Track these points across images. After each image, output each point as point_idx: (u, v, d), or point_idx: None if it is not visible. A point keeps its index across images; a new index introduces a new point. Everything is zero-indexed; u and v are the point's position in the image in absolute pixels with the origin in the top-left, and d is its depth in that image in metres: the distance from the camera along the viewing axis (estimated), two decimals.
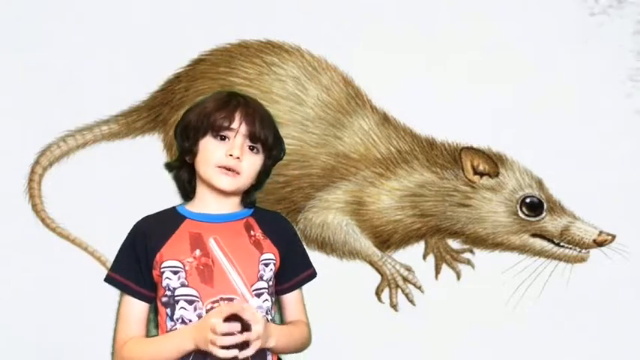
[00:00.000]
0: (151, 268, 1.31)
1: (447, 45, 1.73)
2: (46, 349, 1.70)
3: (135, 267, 1.33)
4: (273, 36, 1.73)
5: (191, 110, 1.38)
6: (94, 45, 1.72)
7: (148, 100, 1.74)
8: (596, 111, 1.74)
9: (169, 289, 1.29)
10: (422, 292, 1.76)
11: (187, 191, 1.40)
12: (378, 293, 1.76)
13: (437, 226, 1.75)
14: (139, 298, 1.34)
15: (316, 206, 1.74)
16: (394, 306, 1.76)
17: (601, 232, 1.71)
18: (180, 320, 1.28)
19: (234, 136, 1.31)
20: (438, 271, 1.77)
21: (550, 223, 1.72)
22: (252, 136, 1.32)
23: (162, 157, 1.73)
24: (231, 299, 1.27)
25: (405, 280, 1.76)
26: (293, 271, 1.41)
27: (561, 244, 1.72)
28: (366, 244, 1.74)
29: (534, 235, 1.73)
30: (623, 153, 1.74)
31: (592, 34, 1.74)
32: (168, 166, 1.45)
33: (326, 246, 1.74)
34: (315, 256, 1.72)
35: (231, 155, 1.30)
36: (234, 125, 1.31)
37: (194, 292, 1.27)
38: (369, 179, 1.74)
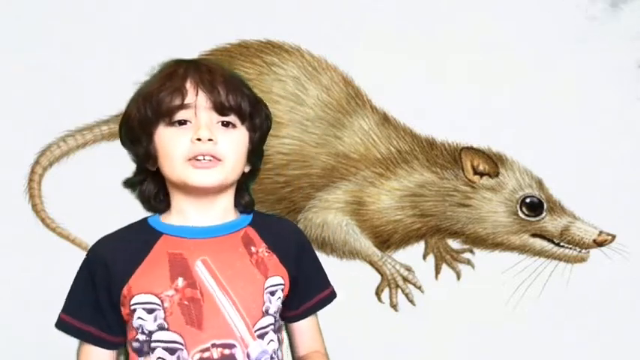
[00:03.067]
0: (117, 305, 0.98)
1: (447, 45, 1.72)
2: (46, 349, 1.70)
3: (93, 306, 1.00)
4: (273, 36, 1.73)
5: (132, 98, 1.04)
6: (94, 45, 1.72)
7: None
8: (596, 111, 1.74)
9: (143, 332, 0.96)
10: (422, 292, 1.76)
11: (157, 209, 1.06)
12: (378, 293, 1.76)
13: (437, 226, 1.75)
14: (103, 346, 1.02)
15: (316, 206, 1.74)
16: (394, 306, 1.76)
17: (601, 232, 1.71)
18: None
19: (195, 114, 0.96)
20: (438, 271, 1.77)
21: (550, 223, 1.72)
22: (219, 106, 0.97)
23: None
24: (227, 345, 0.95)
25: (405, 280, 1.76)
26: (306, 294, 1.10)
27: (561, 244, 1.72)
28: (366, 244, 1.74)
29: (534, 235, 1.73)
30: (623, 153, 1.73)
31: (592, 35, 1.74)
32: (129, 184, 1.11)
33: (326, 246, 1.74)
34: None
35: (199, 140, 0.94)
36: (189, 99, 0.96)
37: (177, 338, 0.95)
38: (369, 179, 1.74)
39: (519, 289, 1.72)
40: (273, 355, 1.00)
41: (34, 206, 1.71)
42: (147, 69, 1.72)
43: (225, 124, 0.99)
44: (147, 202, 1.06)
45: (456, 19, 1.74)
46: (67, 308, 1.04)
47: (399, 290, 1.76)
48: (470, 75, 1.73)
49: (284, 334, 1.11)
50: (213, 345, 0.95)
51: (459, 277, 1.76)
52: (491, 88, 1.73)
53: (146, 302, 0.95)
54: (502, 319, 1.71)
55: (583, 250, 1.72)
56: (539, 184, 1.73)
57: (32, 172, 1.71)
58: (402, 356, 1.73)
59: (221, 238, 1.00)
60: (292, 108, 1.73)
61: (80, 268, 1.04)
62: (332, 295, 1.16)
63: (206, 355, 0.94)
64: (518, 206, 1.72)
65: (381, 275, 1.76)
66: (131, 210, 1.71)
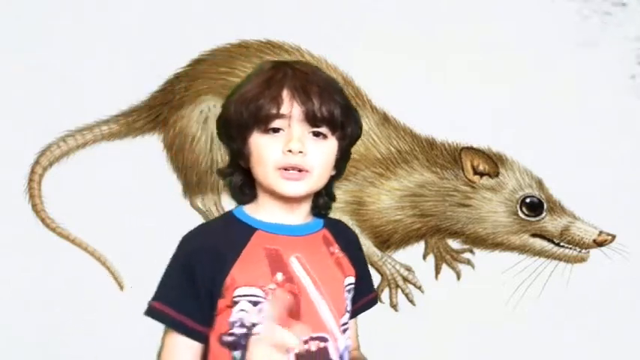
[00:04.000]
0: (216, 296, 0.98)
1: (447, 45, 1.72)
2: (46, 349, 1.70)
3: (191, 297, 0.98)
4: (273, 36, 1.73)
5: (230, 97, 1.05)
6: (94, 45, 1.72)
7: (148, 100, 1.73)
8: (595, 111, 1.74)
9: (243, 326, 0.97)
10: (422, 292, 1.76)
11: (242, 200, 1.07)
12: (378, 293, 1.76)
13: (437, 226, 1.75)
14: (195, 338, 0.99)
15: None
16: (394, 306, 1.76)
17: (601, 232, 1.71)
18: None
19: (289, 125, 0.98)
20: (438, 271, 1.77)
21: (550, 223, 1.72)
22: (312, 118, 0.98)
23: (163, 157, 1.73)
24: (322, 338, 0.99)
25: (405, 280, 1.76)
26: (358, 295, 1.11)
27: (561, 244, 1.72)
28: (366, 244, 1.74)
29: (534, 235, 1.73)
30: (623, 153, 1.73)
31: (592, 35, 1.74)
32: (220, 173, 1.12)
33: None
34: None
35: (290, 151, 0.97)
36: (285, 109, 0.97)
37: (281, 331, 0.97)
38: (369, 179, 1.74)
39: (519, 289, 1.72)
40: (349, 352, 1.06)
41: (34, 206, 1.71)
42: (147, 69, 1.73)
43: (316, 134, 1.00)
44: (234, 192, 1.08)
45: (456, 19, 1.74)
46: (162, 297, 1.02)
47: (399, 290, 1.76)
48: (470, 75, 1.73)
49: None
50: (311, 338, 0.98)
51: (459, 277, 1.76)
52: (491, 88, 1.72)
53: (250, 295, 0.97)
54: (502, 319, 1.71)
55: (583, 250, 1.72)
56: (539, 184, 1.73)
57: (32, 172, 1.71)
58: (402, 356, 1.73)
59: (307, 237, 1.04)
60: None
61: (176, 258, 1.03)
62: (374, 301, 1.19)
63: (305, 347, 0.97)
64: (518, 206, 1.72)
65: (381, 275, 1.76)
66: (131, 210, 1.72)
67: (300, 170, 0.98)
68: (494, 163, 1.73)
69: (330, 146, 1.02)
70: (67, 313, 1.70)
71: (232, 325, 0.97)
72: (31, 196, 1.71)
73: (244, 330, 0.97)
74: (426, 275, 1.76)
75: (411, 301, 1.76)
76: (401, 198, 1.74)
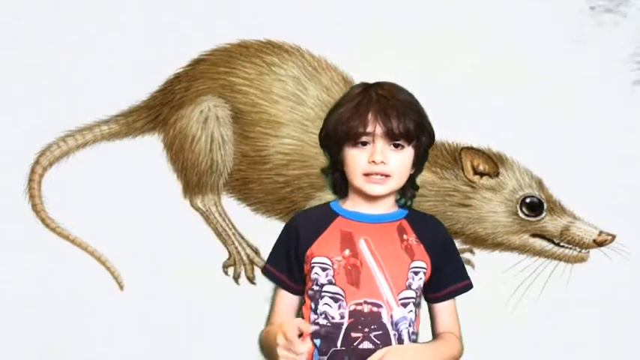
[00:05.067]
0: (302, 262, 1.35)
1: (447, 45, 1.72)
2: (46, 349, 1.70)
3: (287, 262, 1.38)
4: (273, 36, 1.73)
5: (329, 116, 1.38)
6: (94, 45, 1.72)
7: (148, 100, 1.73)
8: (595, 111, 1.74)
9: (317, 284, 1.31)
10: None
11: (342, 192, 1.41)
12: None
13: None
14: (290, 292, 1.39)
15: None
16: None
17: (601, 232, 1.71)
18: (323, 315, 1.30)
19: (373, 140, 1.29)
20: None
21: (550, 223, 1.72)
22: (391, 135, 1.29)
23: (163, 157, 1.73)
24: (376, 304, 1.27)
25: None
26: (449, 280, 1.40)
27: (561, 244, 1.72)
28: None
29: (534, 235, 1.73)
30: (624, 153, 1.73)
31: (592, 35, 1.74)
32: (323, 172, 1.49)
33: None
34: None
35: (373, 162, 1.28)
36: (370, 129, 1.29)
37: (340, 291, 1.28)
38: None
39: (519, 289, 1.72)
40: (411, 323, 1.30)
41: (34, 206, 1.71)
42: (147, 69, 1.73)
43: (396, 146, 1.31)
44: (333, 187, 1.44)
45: (456, 18, 1.74)
46: (270, 260, 1.44)
47: None
48: (470, 75, 1.73)
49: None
50: (365, 302, 1.27)
51: None
52: (491, 88, 1.72)
53: (321, 263, 1.31)
54: (502, 319, 1.71)
55: (583, 250, 1.72)
56: (539, 184, 1.73)
57: (32, 172, 1.71)
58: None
59: (380, 225, 1.34)
60: (292, 108, 1.73)
61: (282, 231, 1.43)
62: (469, 285, 1.44)
63: (359, 308, 1.27)
64: (518, 206, 1.72)
65: None
66: (131, 210, 1.72)
67: (383, 176, 1.29)
68: (494, 163, 1.73)
69: (407, 154, 1.32)
70: (66, 313, 1.71)
71: (313, 282, 1.31)
72: (31, 196, 1.71)
73: (318, 287, 1.30)
74: None
75: None
76: None
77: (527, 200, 1.71)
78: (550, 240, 1.73)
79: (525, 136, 1.73)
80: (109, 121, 1.73)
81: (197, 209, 1.72)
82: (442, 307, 1.42)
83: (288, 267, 1.38)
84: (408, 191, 1.41)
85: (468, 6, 1.74)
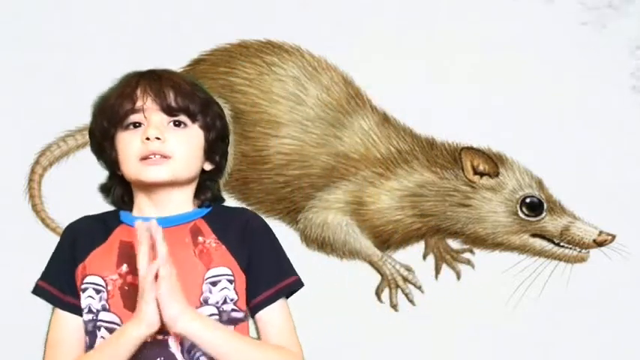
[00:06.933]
0: (76, 280, 1.06)
1: (447, 45, 1.72)
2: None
3: (63, 273, 1.08)
4: (273, 36, 1.73)
5: (91, 115, 1.11)
6: (94, 45, 1.72)
7: None
8: (595, 111, 1.74)
9: (91, 312, 1.02)
10: (422, 292, 1.76)
11: (124, 209, 1.09)
12: (378, 293, 1.75)
13: (437, 226, 1.74)
14: (73, 312, 1.05)
15: (316, 206, 1.74)
16: (394, 306, 1.76)
17: (601, 232, 1.71)
18: None
19: (145, 117, 1.02)
20: (438, 271, 1.77)
21: (550, 223, 1.72)
22: (168, 108, 1.03)
23: None
24: (161, 331, 0.96)
25: (405, 280, 1.76)
26: (264, 282, 1.05)
27: (561, 244, 1.72)
28: (366, 244, 1.74)
29: (534, 235, 1.73)
30: (623, 153, 1.73)
31: (593, 35, 1.74)
32: (103, 189, 1.13)
33: (326, 246, 1.74)
34: (315, 256, 1.73)
35: (148, 139, 1.00)
36: (139, 103, 1.03)
37: (116, 319, 1.00)
38: (369, 179, 1.74)
39: (519, 289, 1.72)
40: None
41: (34, 206, 1.71)
42: (147, 68, 1.72)
43: (177, 124, 1.04)
44: (115, 203, 1.11)
45: (456, 19, 1.74)
46: (43, 274, 1.13)
47: (399, 290, 1.76)
48: (470, 75, 1.73)
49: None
50: None
51: (459, 277, 1.76)
52: (491, 88, 1.73)
53: (95, 284, 1.03)
54: (502, 319, 1.71)
55: (583, 250, 1.72)
56: (539, 184, 1.73)
57: (32, 172, 1.71)
58: (402, 356, 1.73)
59: (170, 230, 1.01)
60: (292, 108, 1.73)
61: (59, 239, 1.14)
62: (296, 284, 1.07)
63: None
64: (518, 206, 1.72)
65: (381, 275, 1.76)
66: None
67: (161, 157, 1.01)
68: (494, 163, 1.73)
69: (192, 134, 1.05)
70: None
71: (85, 310, 1.03)
72: (31, 196, 1.71)
73: (92, 315, 1.02)
74: (426, 275, 1.76)
75: (411, 301, 1.76)
76: (401, 198, 1.74)
77: (527, 200, 1.71)
78: (550, 240, 1.73)
79: (525, 136, 1.73)
80: None
81: None
82: (264, 318, 1.04)
83: (65, 280, 1.07)
84: (205, 191, 1.09)
85: (468, 6, 1.74)
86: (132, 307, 0.97)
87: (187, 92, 1.05)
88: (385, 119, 1.74)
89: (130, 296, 0.99)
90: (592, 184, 1.71)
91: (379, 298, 1.75)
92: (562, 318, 1.73)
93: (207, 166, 1.08)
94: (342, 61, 1.73)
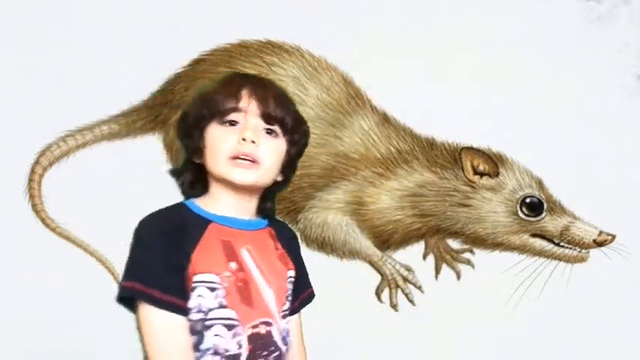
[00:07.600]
0: (182, 280, 1.01)
1: (447, 45, 1.73)
2: (46, 348, 1.70)
3: (174, 274, 1.00)
4: (273, 36, 1.73)
5: (191, 102, 1.13)
6: (94, 44, 1.72)
7: (148, 100, 1.73)
8: (595, 111, 1.74)
9: (201, 311, 1.01)
10: (422, 292, 1.76)
11: (190, 194, 1.13)
12: (378, 293, 1.76)
13: (437, 226, 1.75)
14: (179, 313, 1.00)
15: (316, 206, 1.74)
16: (394, 306, 1.76)
17: (601, 232, 1.71)
18: (211, 351, 1.01)
19: (245, 117, 1.05)
20: (438, 271, 1.77)
21: (550, 223, 1.72)
22: (267, 116, 1.06)
23: (163, 157, 1.73)
24: (268, 323, 1.06)
25: (405, 280, 1.76)
26: (301, 287, 1.19)
27: (561, 244, 1.72)
28: (366, 244, 1.74)
29: (534, 235, 1.73)
30: (623, 153, 1.74)
31: (593, 35, 1.74)
32: (175, 173, 1.16)
33: (326, 246, 1.74)
34: (315, 256, 1.73)
35: (244, 140, 1.03)
36: (243, 104, 1.05)
37: (234, 315, 1.02)
38: (369, 179, 1.74)
39: (519, 289, 1.72)
40: (288, 334, 1.14)
41: (34, 206, 1.71)
42: (147, 69, 1.73)
43: (269, 132, 1.08)
44: (184, 188, 1.14)
45: (456, 19, 1.74)
46: (138, 276, 1.02)
47: (399, 290, 1.76)
48: (470, 75, 1.73)
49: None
50: (261, 322, 1.05)
51: (459, 277, 1.76)
52: (491, 88, 1.73)
53: (208, 281, 1.02)
54: (502, 319, 1.71)
55: (583, 250, 1.72)
56: (539, 184, 1.73)
57: (32, 172, 1.71)
58: (402, 356, 1.73)
59: (256, 232, 1.12)
60: None
61: (144, 237, 1.03)
62: (312, 296, 1.24)
63: (256, 330, 1.04)
64: (518, 206, 1.72)
65: (381, 275, 1.76)
66: (131, 210, 1.72)
67: (251, 161, 1.05)
68: (494, 163, 1.73)
69: (280, 145, 1.10)
70: (66, 313, 1.70)
71: (192, 310, 1.01)
72: (31, 196, 1.71)
73: (202, 315, 1.01)
74: (426, 275, 1.76)
75: (411, 301, 1.76)
76: (401, 198, 1.74)
77: (527, 200, 1.71)
78: (550, 240, 1.73)
79: (525, 136, 1.74)
80: (109, 121, 1.73)
81: None
82: (294, 321, 1.17)
83: (175, 283, 1.01)
84: (267, 203, 1.15)
85: (468, 6, 1.74)
86: (247, 302, 1.04)
87: (286, 105, 1.10)
88: (385, 119, 1.74)
89: (243, 292, 1.04)
90: (592, 184, 1.72)
91: (379, 298, 1.75)
92: (562, 318, 1.73)
93: (279, 177, 1.14)
94: (342, 61, 1.73)
